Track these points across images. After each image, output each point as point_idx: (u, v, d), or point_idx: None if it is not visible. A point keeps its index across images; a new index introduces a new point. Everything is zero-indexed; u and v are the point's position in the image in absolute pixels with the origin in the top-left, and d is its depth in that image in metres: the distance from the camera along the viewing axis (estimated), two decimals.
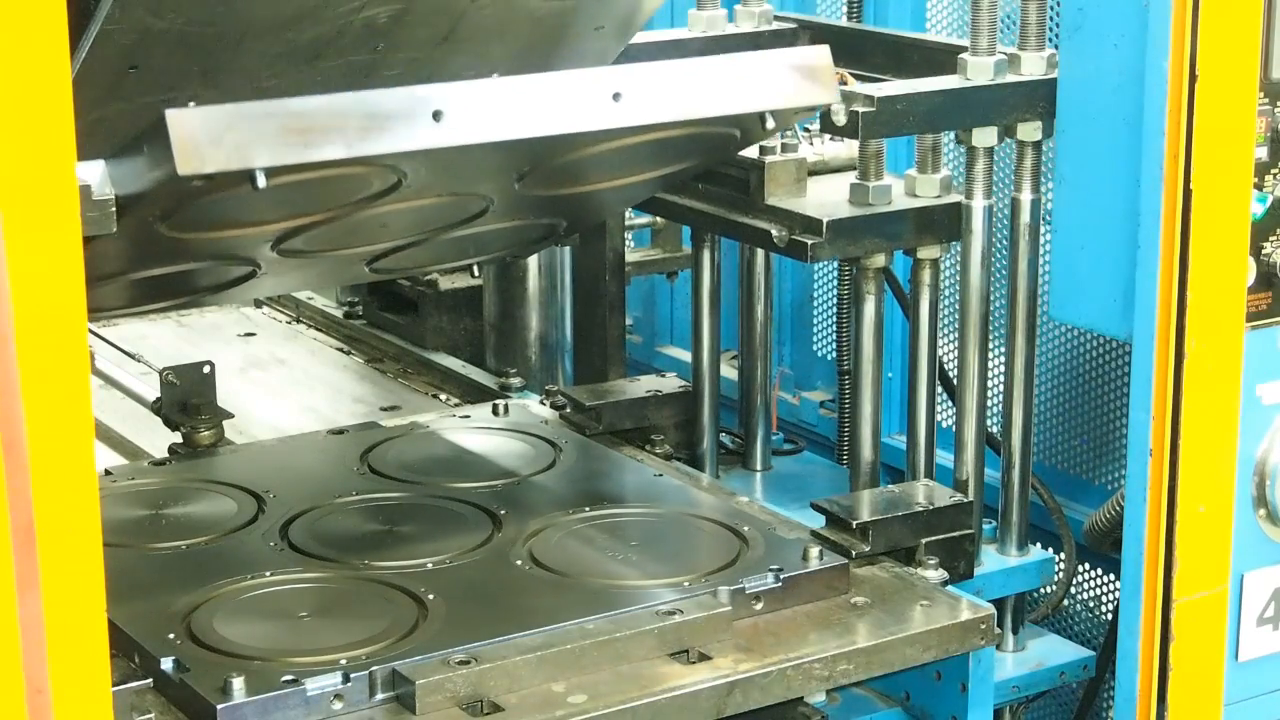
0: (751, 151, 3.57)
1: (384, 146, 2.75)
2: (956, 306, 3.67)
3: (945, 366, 3.84)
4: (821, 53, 3.13)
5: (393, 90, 2.76)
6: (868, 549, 3.33)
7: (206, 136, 2.59)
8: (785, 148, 3.59)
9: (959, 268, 3.62)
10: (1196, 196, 2.98)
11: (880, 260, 3.59)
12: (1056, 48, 3.36)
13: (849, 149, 3.73)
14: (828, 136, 3.75)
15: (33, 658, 1.95)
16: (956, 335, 3.65)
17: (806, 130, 3.78)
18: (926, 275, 3.62)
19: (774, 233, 3.49)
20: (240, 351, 4.75)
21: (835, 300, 4.46)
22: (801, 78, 3.09)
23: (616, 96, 2.89)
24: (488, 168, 3.12)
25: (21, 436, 1.90)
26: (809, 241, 3.44)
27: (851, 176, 3.60)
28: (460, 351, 4.57)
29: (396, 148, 2.76)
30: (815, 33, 4.15)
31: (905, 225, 3.55)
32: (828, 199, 3.56)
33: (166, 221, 2.90)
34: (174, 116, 2.57)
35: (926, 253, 3.60)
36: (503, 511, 3.47)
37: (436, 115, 2.75)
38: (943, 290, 3.70)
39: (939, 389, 3.75)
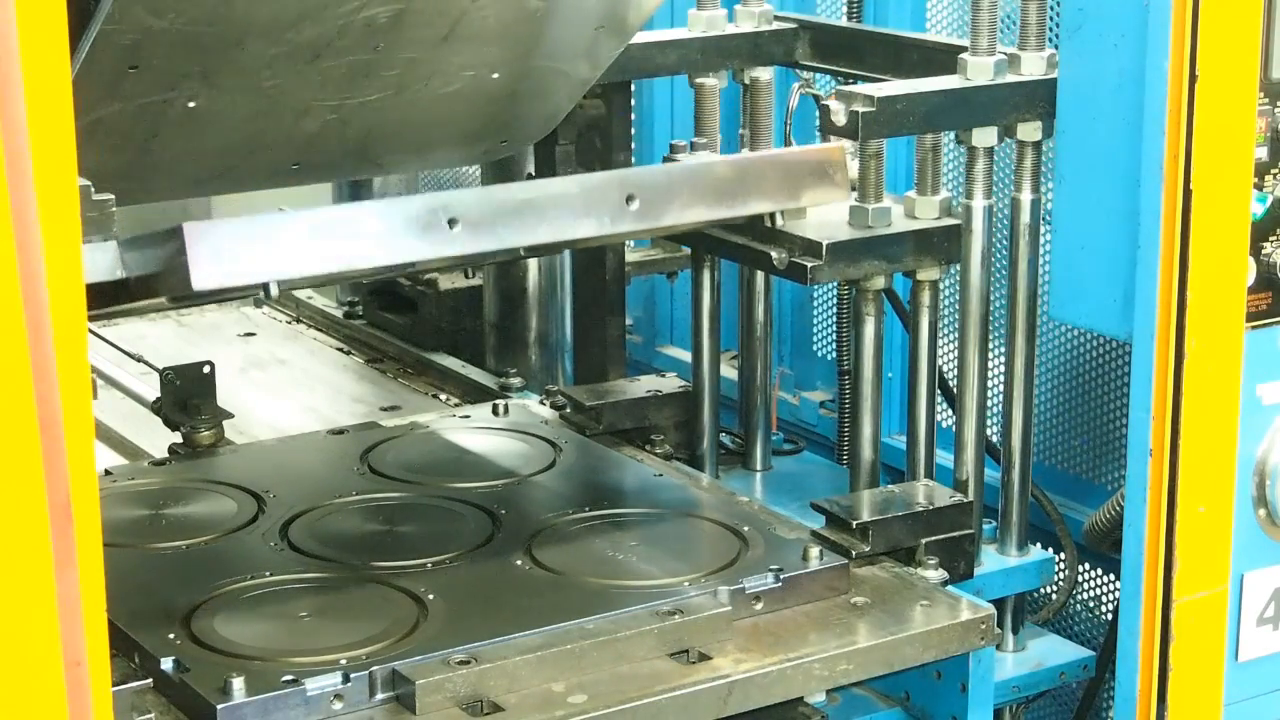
0: None
1: (400, 256, 2.79)
2: (957, 306, 3.67)
3: (945, 371, 3.84)
4: (836, 152, 3.14)
5: (409, 200, 2.78)
6: (868, 549, 3.33)
7: (220, 252, 2.62)
8: None
9: (959, 268, 3.62)
10: (1196, 196, 2.98)
11: (880, 282, 3.59)
12: (1056, 48, 3.36)
13: (849, 171, 3.72)
14: None
15: (72, 634, 1.97)
16: (957, 335, 3.65)
17: None
18: (926, 296, 3.62)
19: (774, 255, 3.49)
20: (240, 351, 4.75)
21: (835, 301, 4.46)
22: (815, 179, 3.14)
23: (629, 200, 2.93)
24: None
25: (59, 422, 1.91)
26: (808, 264, 3.44)
27: (851, 198, 3.60)
28: (460, 351, 4.57)
29: (413, 257, 2.79)
30: (815, 32, 4.15)
31: (904, 247, 3.54)
32: (827, 221, 3.56)
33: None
34: (191, 230, 2.60)
35: (926, 274, 3.61)
36: (503, 511, 3.48)
37: (452, 223, 2.78)
38: (943, 296, 3.69)
39: (939, 397, 3.74)
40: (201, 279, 2.60)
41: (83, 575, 2.06)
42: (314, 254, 2.69)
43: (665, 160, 3.81)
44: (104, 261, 2.68)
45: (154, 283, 2.70)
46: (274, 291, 2.66)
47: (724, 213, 3.03)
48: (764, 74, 3.82)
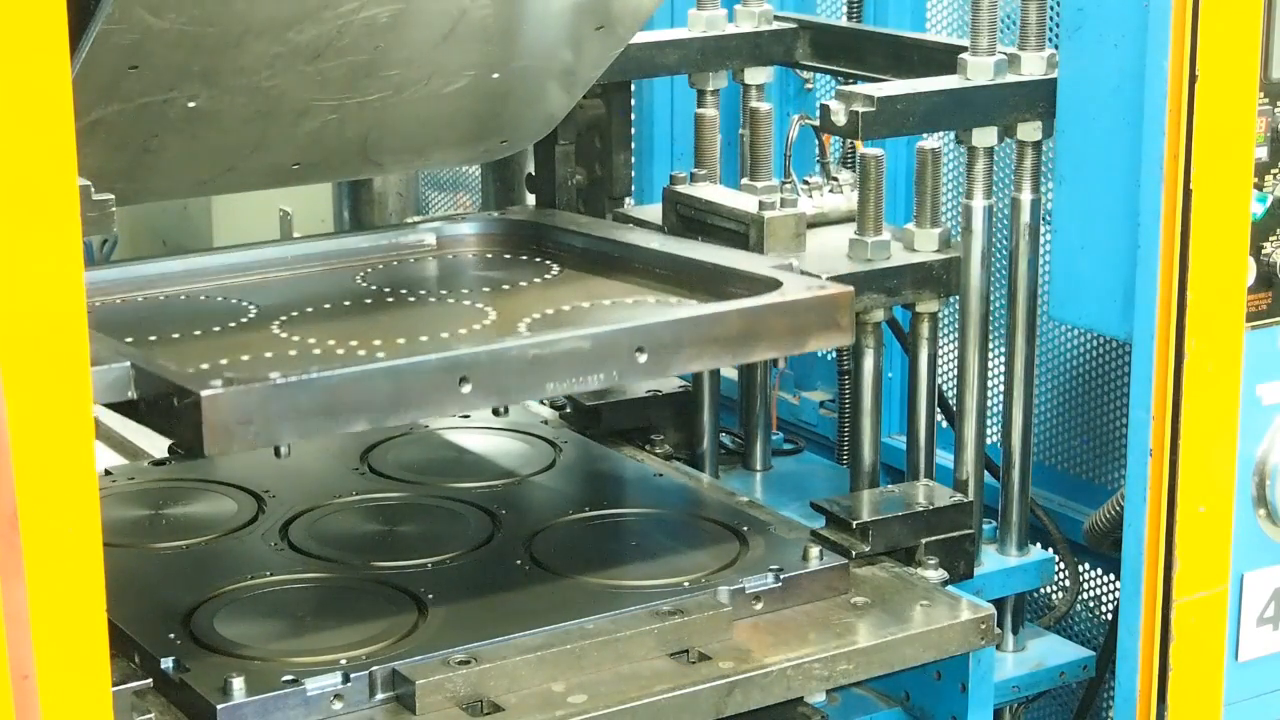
0: (751, 205, 3.59)
1: (410, 417, 2.81)
2: (957, 306, 3.67)
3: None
4: (843, 297, 3.14)
5: (422, 359, 2.80)
6: (868, 549, 3.33)
7: (236, 418, 2.63)
8: (784, 202, 3.59)
9: (959, 267, 3.62)
10: (1196, 196, 2.98)
11: (879, 315, 3.59)
12: (1056, 48, 3.36)
13: (848, 201, 3.72)
14: (827, 189, 3.76)
15: (19, 646, 1.96)
16: (957, 335, 3.65)
17: (805, 183, 3.78)
18: (925, 329, 3.62)
19: None
20: None
21: None
22: (822, 325, 3.12)
23: (639, 351, 2.93)
24: None
25: (3, 431, 1.91)
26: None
27: (850, 229, 3.60)
28: None
29: (424, 418, 2.78)
30: (815, 32, 4.15)
31: (903, 280, 3.53)
32: (826, 253, 3.56)
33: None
34: (208, 400, 2.61)
35: (925, 306, 3.60)
36: (503, 511, 3.48)
37: (463, 381, 2.78)
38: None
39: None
40: (214, 448, 2.63)
41: (81, 576, 2.06)
42: (327, 418, 2.71)
43: (665, 191, 3.81)
44: (116, 380, 2.72)
45: (164, 426, 2.73)
46: (284, 452, 2.71)
47: (730, 360, 3.07)
48: (763, 105, 3.84)
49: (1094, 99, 3.19)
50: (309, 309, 3.41)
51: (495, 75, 3.53)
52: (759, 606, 3.13)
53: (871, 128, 3.37)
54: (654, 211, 3.85)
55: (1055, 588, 4.08)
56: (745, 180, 3.81)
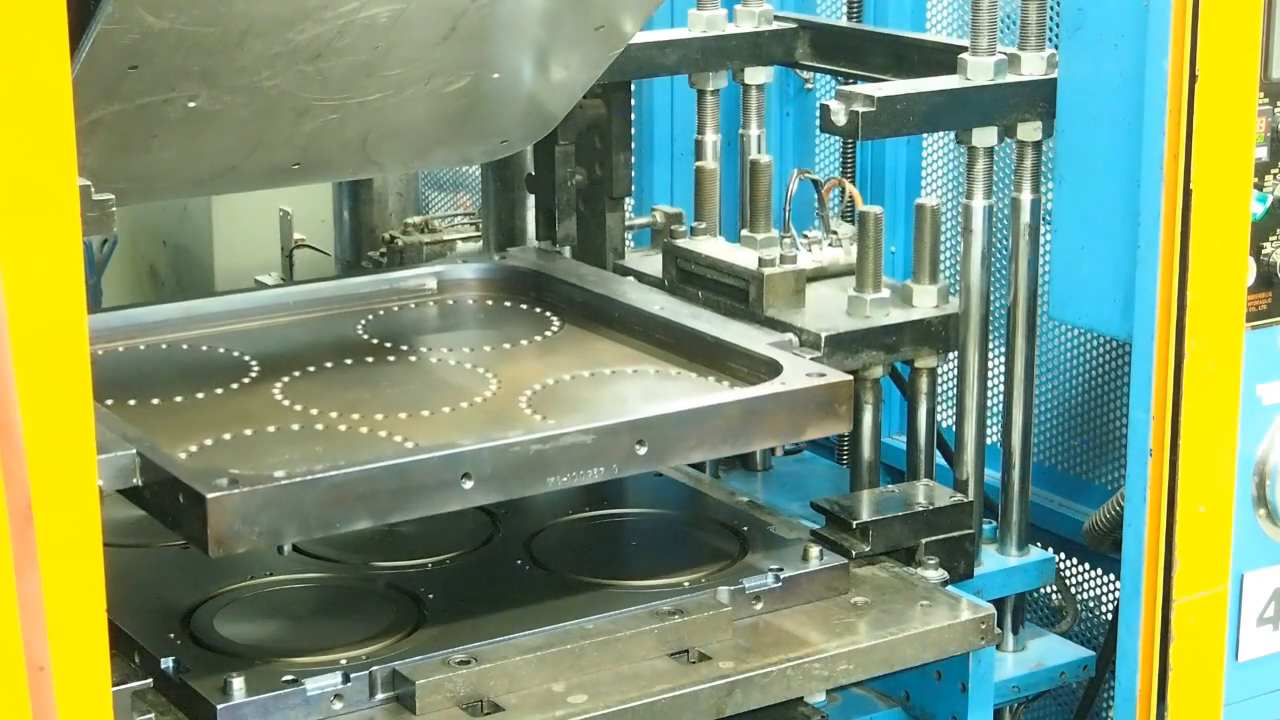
0: (751, 261, 3.60)
1: (414, 514, 2.83)
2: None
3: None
4: (843, 384, 3.17)
5: (425, 457, 2.84)
6: (868, 549, 3.33)
7: (241, 520, 2.67)
8: (784, 258, 3.60)
9: (959, 268, 3.62)
10: (1196, 196, 2.98)
11: (878, 372, 3.59)
12: (1056, 48, 3.36)
13: (847, 255, 3.73)
14: (826, 243, 3.77)
15: (34, 638, 1.96)
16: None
17: (805, 237, 3.78)
18: (924, 383, 3.63)
19: None
20: None
21: None
22: (820, 414, 3.16)
23: (640, 443, 2.97)
24: None
25: (16, 427, 1.91)
26: (807, 357, 3.44)
27: (849, 283, 3.60)
28: None
29: (427, 513, 2.85)
30: (815, 32, 4.15)
31: (902, 338, 3.54)
32: (825, 310, 3.57)
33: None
34: (214, 502, 2.65)
35: (924, 362, 3.61)
36: (502, 511, 3.47)
37: (465, 478, 2.83)
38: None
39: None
40: (218, 549, 2.68)
41: (80, 575, 2.06)
42: (331, 517, 2.75)
43: (664, 245, 3.82)
44: (122, 468, 2.77)
45: (168, 519, 2.78)
46: (286, 550, 2.76)
47: (728, 450, 3.11)
48: (763, 158, 3.85)
49: (1094, 99, 3.19)
50: (310, 367, 3.45)
51: (495, 75, 3.53)
52: (759, 606, 3.13)
53: (871, 128, 3.37)
54: (654, 263, 3.86)
55: (1055, 590, 4.09)
56: (745, 232, 3.82)
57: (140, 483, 2.77)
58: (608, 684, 2.91)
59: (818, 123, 4.00)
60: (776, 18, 4.17)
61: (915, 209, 3.59)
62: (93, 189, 2.39)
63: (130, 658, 2.92)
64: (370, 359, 3.51)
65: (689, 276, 3.73)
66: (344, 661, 2.87)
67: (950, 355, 3.67)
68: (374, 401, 3.27)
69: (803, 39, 4.15)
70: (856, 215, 3.59)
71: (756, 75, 4.14)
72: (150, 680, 2.86)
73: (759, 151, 4.16)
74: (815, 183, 3.81)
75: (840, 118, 3.36)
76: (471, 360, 3.50)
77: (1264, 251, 3.10)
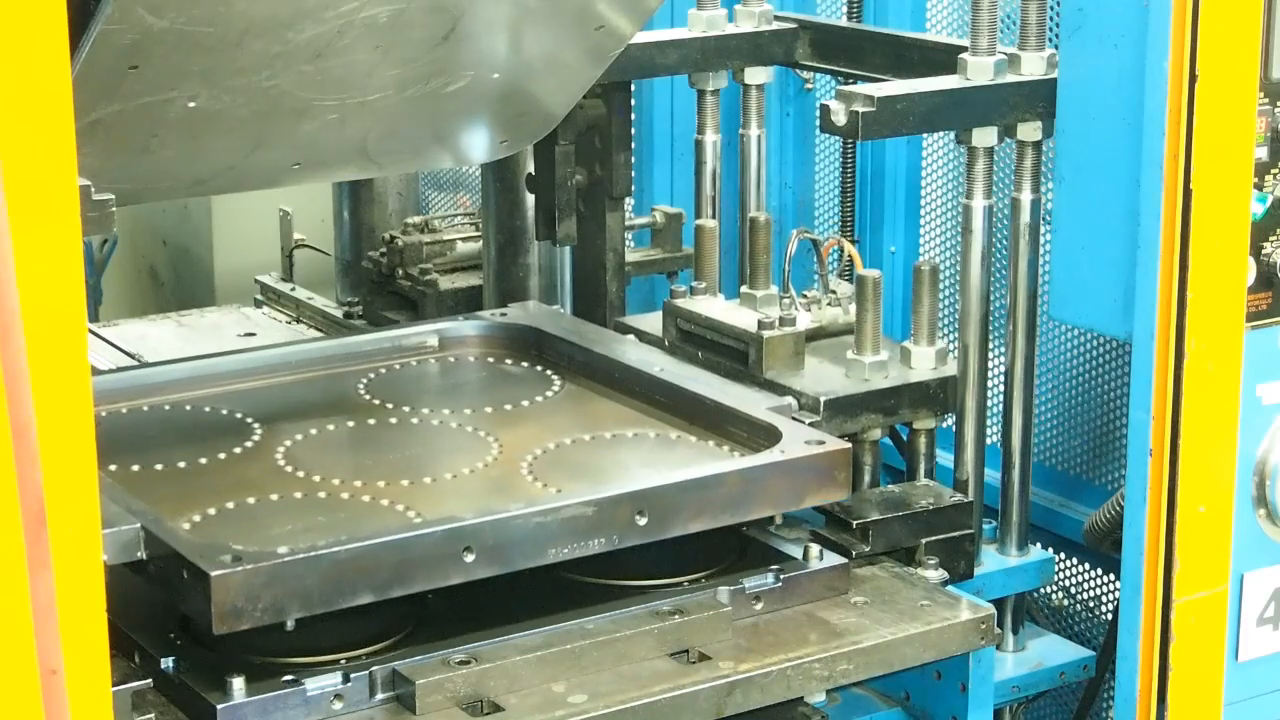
0: (750, 323, 3.61)
1: (417, 588, 2.86)
2: (957, 305, 3.67)
3: None
4: (842, 452, 3.20)
5: (427, 532, 2.87)
6: (868, 549, 3.33)
7: (245, 597, 2.71)
8: (783, 321, 3.61)
9: (959, 267, 3.62)
10: (1196, 196, 2.98)
11: (877, 434, 3.59)
12: (1056, 48, 3.36)
13: (846, 314, 3.73)
14: (825, 302, 3.77)
15: (47, 641, 1.97)
16: (957, 335, 3.65)
17: (804, 296, 3.78)
18: (922, 444, 3.63)
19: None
20: None
21: None
22: (820, 482, 3.18)
23: (640, 514, 3.00)
24: None
25: (31, 430, 1.91)
26: (806, 420, 3.44)
27: (848, 342, 3.61)
28: None
29: (429, 587, 2.87)
30: (815, 32, 4.15)
31: (901, 400, 3.54)
32: (824, 372, 3.57)
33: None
34: (218, 580, 2.68)
35: (922, 424, 3.61)
36: None
37: (467, 551, 2.86)
38: (942, 298, 3.69)
39: None
40: (222, 626, 2.71)
41: (63, 580, 2.06)
42: (334, 593, 2.79)
43: (665, 305, 3.82)
44: (127, 543, 2.82)
45: (172, 594, 2.81)
46: (290, 625, 2.77)
47: (728, 519, 3.12)
48: (762, 215, 3.85)
49: (1094, 99, 3.19)
50: (312, 429, 3.48)
51: (495, 75, 3.53)
52: (759, 606, 3.13)
53: (871, 128, 3.37)
54: (654, 321, 3.87)
55: (1055, 589, 4.09)
56: (744, 289, 3.82)
57: (144, 556, 2.81)
58: (608, 684, 2.91)
59: (818, 123, 4.00)
60: (776, 18, 4.17)
61: (914, 270, 3.59)
62: (93, 189, 2.39)
63: (130, 658, 2.92)
64: (372, 420, 3.54)
65: (689, 337, 3.75)
66: (344, 661, 2.87)
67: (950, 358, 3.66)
68: (376, 467, 3.30)
69: (803, 39, 4.15)
70: (855, 278, 3.60)
71: (756, 75, 4.14)
72: (150, 680, 2.86)
73: (759, 152, 4.17)
74: (814, 242, 3.82)
75: (840, 118, 3.36)
76: (473, 422, 3.52)
77: (1264, 251, 3.10)
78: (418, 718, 2.80)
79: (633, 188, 4.28)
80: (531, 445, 3.39)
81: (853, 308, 3.62)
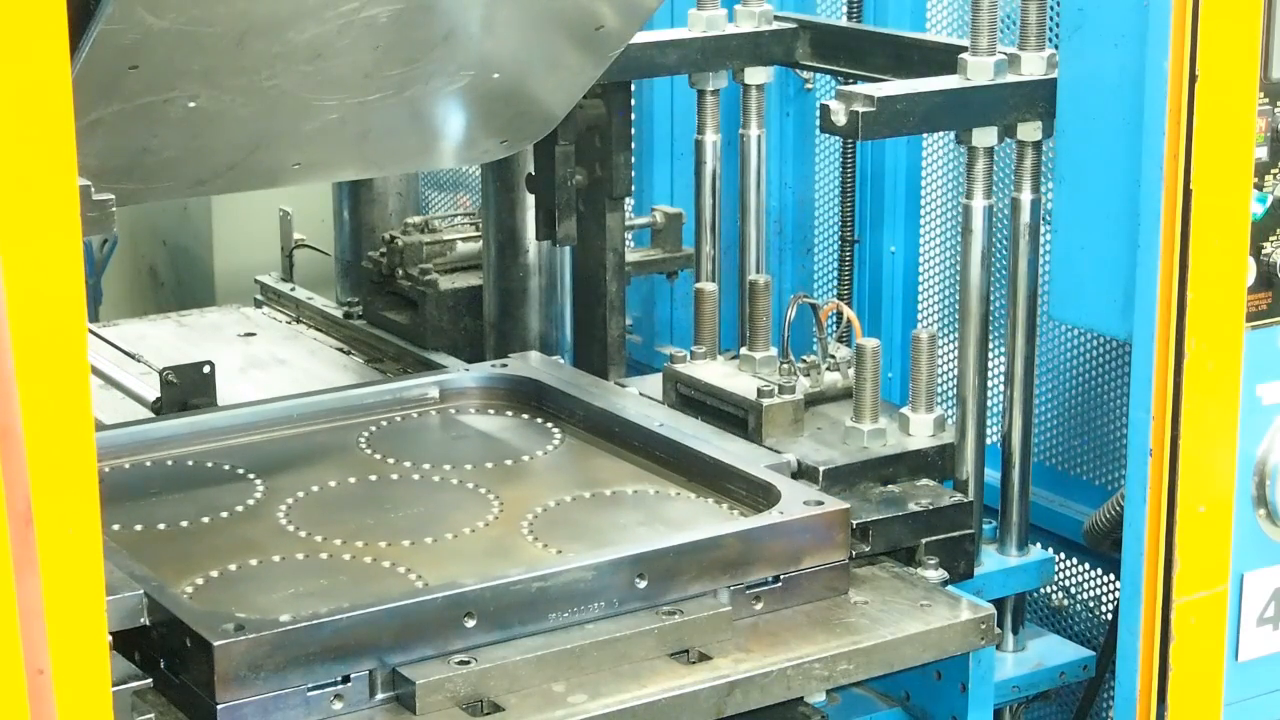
0: (750, 390, 3.62)
1: (417, 654, 2.87)
2: (956, 306, 3.67)
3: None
4: (840, 512, 3.22)
5: (428, 598, 2.90)
6: (868, 549, 3.33)
7: (248, 666, 2.73)
8: (782, 389, 3.62)
9: (959, 267, 3.62)
10: (1196, 196, 2.98)
11: (876, 495, 3.59)
12: (1056, 48, 3.36)
13: (845, 378, 3.73)
14: (824, 365, 3.78)
15: (34, 641, 1.96)
16: (957, 335, 3.65)
17: (804, 361, 3.78)
18: None
19: None
20: (240, 351, 4.75)
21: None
22: (818, 542, 3.19)
23: (640, 577, 3.03)
24: None
25: (17, 429, 1.91)
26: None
27: (847, 406, 3.62)
28: (460, 351, 4.57)
29: (431, 652, 2.88)
30: (815, 32, 4.15)
31: (899, 468, 3.55)
32: (823, 439, 3.59)
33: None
34: (221, 649, 2.71)
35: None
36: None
37: (468, 616, 2.89)
38: (942, 298, 3.69)
39: None
40: (225, 693, 2.73)
41: (81, 572, 2.06)
42: (335, 660, 2.80)
43: (665, 370, 3.83)
44: (130, 609, 2.84)
45: (175, 662, 2.82)
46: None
47: (727, 581, 3.13)
48: (761, 278, 3.86)
49: (1094, 99, 3.19)
50: (314, 486, 3.50)
51: (495, 75, 3.53)
52: (759, 606, 3.13)
53: (871, 128, 3.37)
54: (654, 385, 3.88)
55: (1055, 589, 4.09)
56: (744, 350, 3.82)
57: (148, 623, 2.83)
58: (608, 684, 2.91)
59: (818, 123, 4.00)
60: (776, 18, 4.17)
61: (912, 339, 3.59)
62: (93, 189, 2.39)
63: (130, 657, 2.92)
64: (374, 476, 3.56)
65: (689, 401, 3.76)
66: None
67: (951, 358, 3.66)
68: (378, 528, 3.32)
69: (803, 39, 4.15)
70: (854, 346, 3.61)
71: (756, 75, 4.14)
72: (150, 680, 2.86)
73: (759, 152, 4.16)
74: (813, 307, 3.83)
75: (840, 118, 3.36)
76: (474, 478, 3.54)
77: (1264, 251, 3.10)
78: (418, 718, 2.80)
79: (633, 188, 4.28)
80: (532, 503, 3.41)
81: (851, 372, 3.63)
